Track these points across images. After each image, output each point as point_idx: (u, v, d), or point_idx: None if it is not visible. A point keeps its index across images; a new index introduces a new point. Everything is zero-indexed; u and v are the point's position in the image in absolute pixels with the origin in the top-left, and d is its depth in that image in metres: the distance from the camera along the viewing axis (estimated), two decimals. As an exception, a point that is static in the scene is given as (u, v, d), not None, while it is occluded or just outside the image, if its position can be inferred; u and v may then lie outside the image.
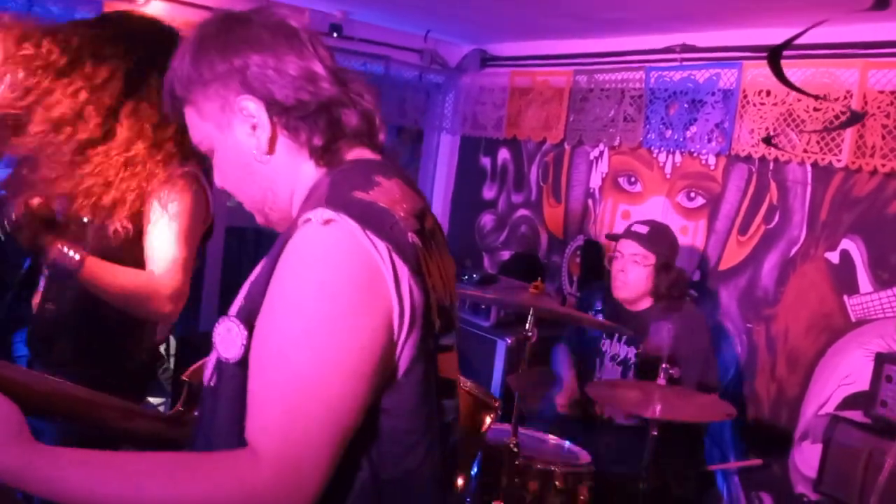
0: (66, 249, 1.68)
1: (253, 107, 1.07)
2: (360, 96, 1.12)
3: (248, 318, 0.99)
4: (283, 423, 0.92)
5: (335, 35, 3.85)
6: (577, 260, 4.00)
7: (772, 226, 3.16)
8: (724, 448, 3.28)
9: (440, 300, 1.05)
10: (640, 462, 2.45)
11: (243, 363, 0.99)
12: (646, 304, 3.02)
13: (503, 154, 4.47)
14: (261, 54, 1.07)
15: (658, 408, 2.29)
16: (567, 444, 2.69)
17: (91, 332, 1.88)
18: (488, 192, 4.57)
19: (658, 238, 2.98)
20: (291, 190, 1.11)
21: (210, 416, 1.06)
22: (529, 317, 2.45)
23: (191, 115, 1.14)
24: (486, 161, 4.58)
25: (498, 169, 4.51)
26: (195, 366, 1.28)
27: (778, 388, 3.10)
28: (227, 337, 1.01)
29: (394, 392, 0.99)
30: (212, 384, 1.06)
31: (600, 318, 3.05)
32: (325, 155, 1.09)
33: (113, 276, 1.74)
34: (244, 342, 0.99)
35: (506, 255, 4.40)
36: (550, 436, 2.72)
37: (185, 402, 1.28)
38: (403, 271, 0.96)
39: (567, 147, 4.07)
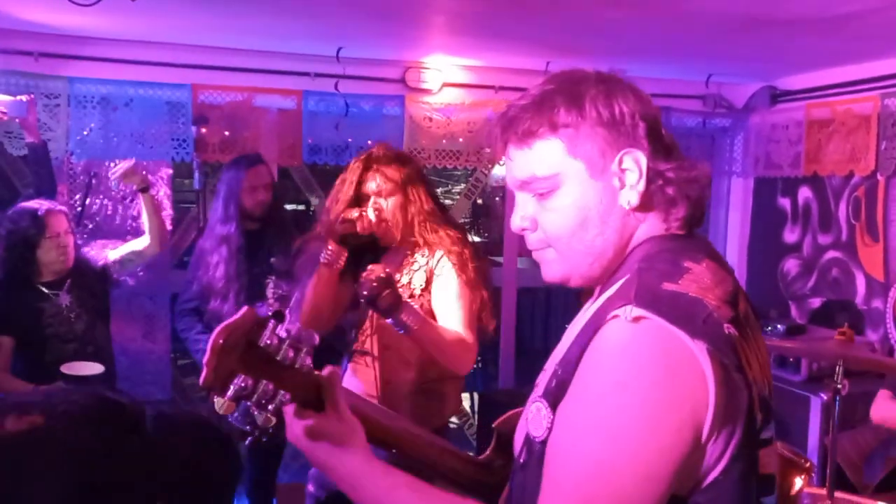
0: (415, 306, 1.99)
1: (642, 161, 1.04)
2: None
3: (555, 401, 1.01)
4: None
5: (613, 93, 3.88)
6: (905, 304, 3.52)
7: None
8: None
9: (760, 392, 0.99)
10: None
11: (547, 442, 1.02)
12: None
13: (804, 193, 4.14)
14: (644, 112, 1.05)
15: None
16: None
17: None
18: (790, 236, 4.24)
19: None
20: (622, 247, 1.08)
21: (521, 491, 1.09)
22: (838, 368, 2.22)
23: (549, 149, 1.06)
24: (784, 202, 4.27)
25: (799, 209, 4.17)
26: (506, 415, 1.32)
27: None
28: (536, 416, 1.04)
29: (711, 490, 0.96)
30: (521, 460, 1.08)
31: None
32: (673, 223, 1.07)
33: (438, 332, 2.02)
34: (549, 425, 1.01)
35: (816, 302, 4.02)
36: (880, 502, 2.40)
37: (495, 449, 1.31)
38: (721, 370, 0.92)
39: (881, 178, 3.66)
